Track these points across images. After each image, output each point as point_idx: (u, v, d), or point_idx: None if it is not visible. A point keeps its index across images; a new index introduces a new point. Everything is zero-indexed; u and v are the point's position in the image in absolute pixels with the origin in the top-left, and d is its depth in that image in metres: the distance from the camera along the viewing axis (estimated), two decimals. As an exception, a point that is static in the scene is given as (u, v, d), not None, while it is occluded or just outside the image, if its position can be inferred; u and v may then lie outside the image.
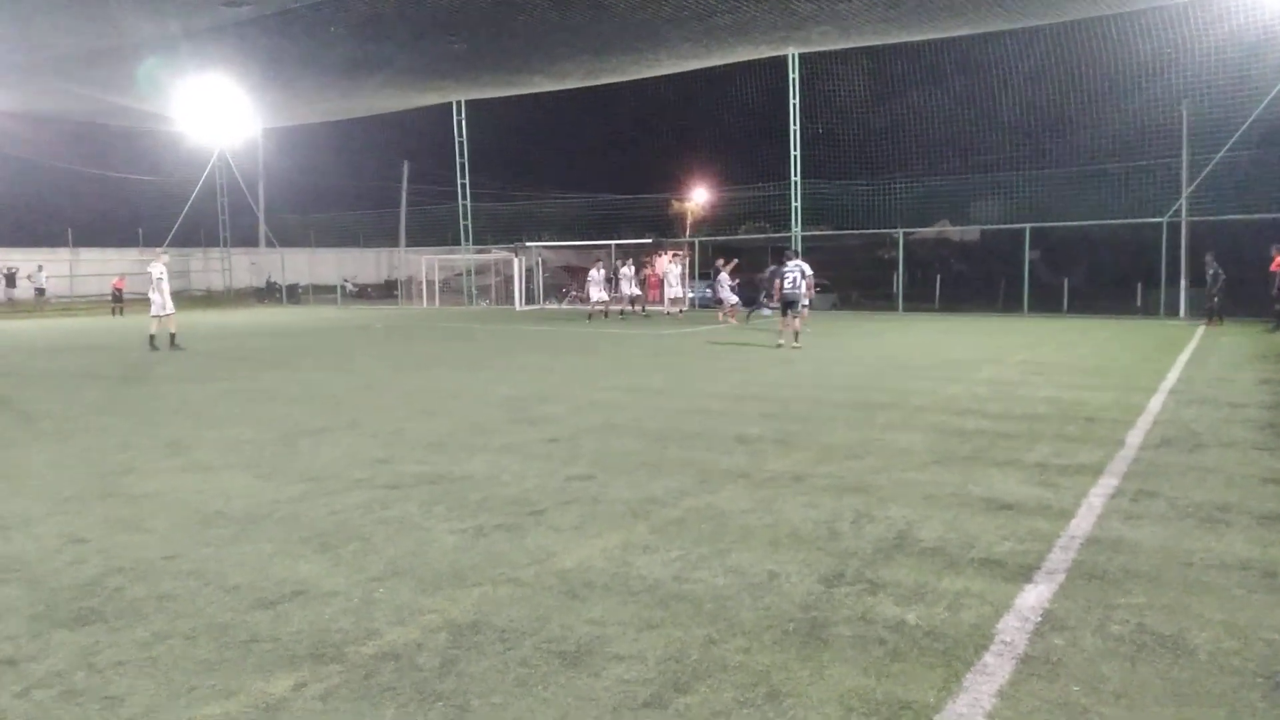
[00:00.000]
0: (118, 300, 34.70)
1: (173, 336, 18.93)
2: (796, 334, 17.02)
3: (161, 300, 18.72)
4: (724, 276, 25.56)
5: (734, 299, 25.84)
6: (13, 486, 6.84)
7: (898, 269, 30.94)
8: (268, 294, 45.95)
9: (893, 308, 30.51)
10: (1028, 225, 27.81)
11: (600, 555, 4.93)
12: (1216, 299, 22.59)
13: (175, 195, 43.68)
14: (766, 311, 26.08)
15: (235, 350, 19.09)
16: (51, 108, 37.47)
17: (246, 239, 49.70)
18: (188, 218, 43.47)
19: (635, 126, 54.57)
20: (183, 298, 43.98)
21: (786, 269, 16.95)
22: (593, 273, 28.02)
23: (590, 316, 26.79)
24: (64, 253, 44.31)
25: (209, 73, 31.85)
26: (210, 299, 44.71)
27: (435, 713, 3.19)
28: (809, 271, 17.46)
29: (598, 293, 27.54)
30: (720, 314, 25.93)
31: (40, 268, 40.89)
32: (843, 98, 33.21)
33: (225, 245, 47.85)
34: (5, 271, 41.47)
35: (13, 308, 38.48)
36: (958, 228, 35.96)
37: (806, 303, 18.63)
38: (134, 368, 15.65)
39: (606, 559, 4.87)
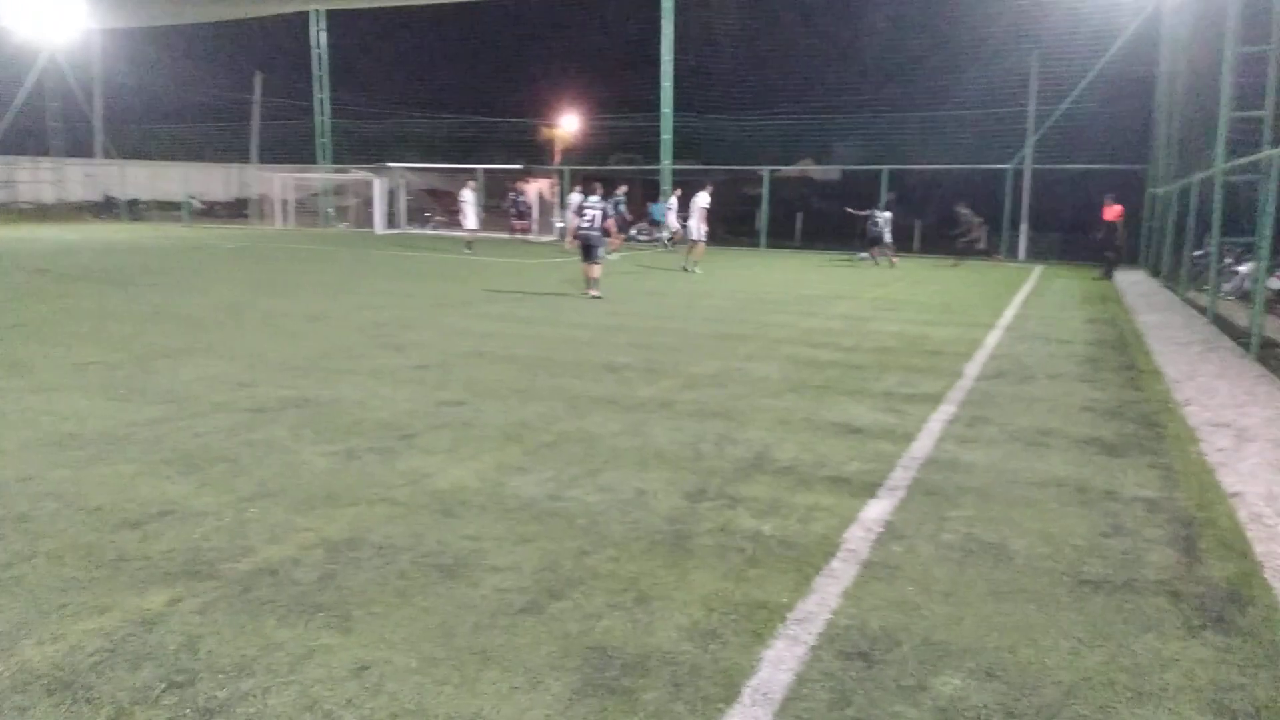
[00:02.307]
0: None
1: None
2: (592, 281, 14.48)
3: None
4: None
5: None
6: None
7: (762, 206, 31.63)
8: (105, 209, 42.90)
9: (756, 244, 31.26)
10: (885, 167, 28.87)
11: (474, 476, 5.06)
12: (967, 245, 24.85)
13: (-2, 98, 39.92)
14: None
15: (75, 268, 17.90)
16: None
17: (82, 150, 45.99)
18: (14, 124, 39.88)
19: (505, 48, 53.10)
20: (10, 210, 40.68)
21: (586, 205, 14.54)
22: (465, 193, 26.73)
23: (469, 245, 25.86)
24: None
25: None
26: (41, 212, 41.39)
27: (317, 622, 3.29)
28: (611, 211, 16.06)
29: (474, 218, 26.43)
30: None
31: None
32: (715, 30, 33.33)
33: (57, 155, 44.17)
34: None
35: None
36: (820, 167, 36.95)
37: (699, 237, 19.36)
38: (-42, 284, 14.50)
39: (480, 480, 5.00)
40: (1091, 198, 23.22)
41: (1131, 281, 19.53)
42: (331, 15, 37.62)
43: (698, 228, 19.99)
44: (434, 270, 19.10)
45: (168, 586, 3.56)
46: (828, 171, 37.78)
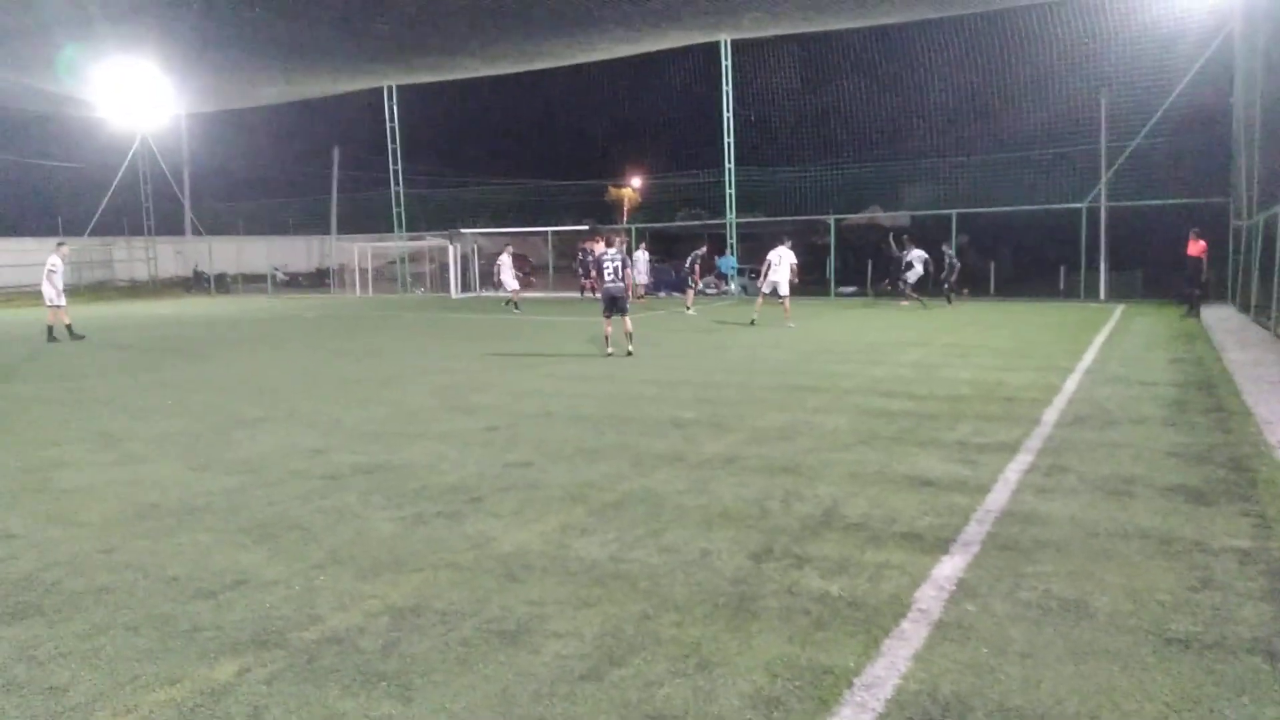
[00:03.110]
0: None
1: (69, 327, 18.75)
2: (627, 335, 14.04)
3: (53, 292, 18.56)
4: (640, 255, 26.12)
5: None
6: (-64, 484, 6.71)
7: (829, 255, 31.48)
8: (195, 284, 44.84)
9: (825, 293, 31.07)
10: (954, 211, 28.53)
11: (538, 539, 5.07)
12: (947, 284, 25.15)
13: (96, 182, 42.27)
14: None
15: (164, 341, 18.69)
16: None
17: (172, 228, 48.35)
18: (110, 205, 42.16)
19: (570, 112, 54.39)
20: (107, 287, 42.80)
21: (605, 258, 13.99)
22: (503, 257, 27.62)
23: (511, 304, 26.37)
24: (-27, 242, 42.56)
25: (128, 55, 30.90)
26: (135, 289, 43.48)
27: (379, 692, 3.30)
28: (630, 262, 15.17)
29: (510, 279, 27.17)
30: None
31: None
32: (775, 84, 33.67)
33: (150, 234, 46.50)
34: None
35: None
36: (888, 213, 36.71)
37: (786, 291, 18.97)
38: (58, 360, 15.25)
39: (545, 542, 5.01)
40: (1173, 234, 22.58)
41: (1219, 318, 18.80)
42: (403, 89, 39.07)
43: (785, 282, 19.27)
44: (504, 332, 19.40)
45: (237, 656, 3.62)
46: (896, 217, 37.49)
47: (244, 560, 4.81)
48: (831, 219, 31.35)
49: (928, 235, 28.93)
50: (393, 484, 6.38)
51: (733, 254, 32.65)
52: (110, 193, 41.82)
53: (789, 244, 19.70)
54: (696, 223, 38.43)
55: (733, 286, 31.89)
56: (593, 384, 11.28)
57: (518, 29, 27.73)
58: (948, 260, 25.17)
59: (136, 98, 36.06)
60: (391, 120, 39.46)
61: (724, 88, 31.73)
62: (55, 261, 18.79)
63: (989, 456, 6.89)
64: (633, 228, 37.94)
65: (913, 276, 24.98)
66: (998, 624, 3.83)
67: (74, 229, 45.16)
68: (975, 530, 5.10)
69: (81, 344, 17.87)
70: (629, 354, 13.80)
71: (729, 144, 32.09)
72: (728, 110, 31.89)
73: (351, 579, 4.49)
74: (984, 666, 3.44)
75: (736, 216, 32.66)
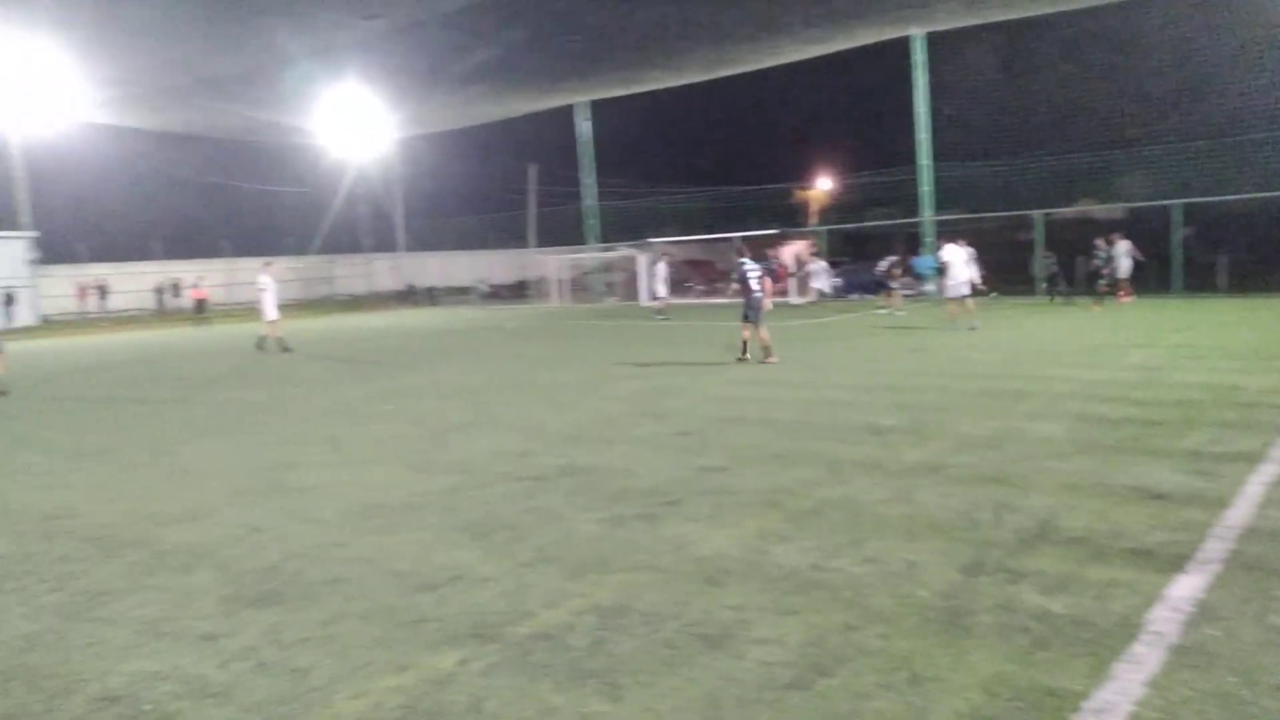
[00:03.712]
0: (199, 311, 34.69)
1: (280, 340, 20.43)
2: (765, 347, 13.78)
3: (264, 307, 20.46)
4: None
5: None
6: (194, 481, 7.50)
7: (1035, 253, 29.71)
8: (407, 297, 47.96)
9: (1032, 292, 29.36)
10: (1178, 201, 26.26)
11: (735, 544, 5.06)
12: (1103, 280, 22.93)
13: (320, 205, 46.12)
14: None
15: (381, 352, 20.10)
16: (206, 127, 40.15)
17: (386, 245, 52.01)
18: (331, 226, 45.82)
19: (756, 116, 54.24)
20: (328, 302, 46.50)
21: (747, 268, 13.93)
22: (659, 267, 28.37)
23: (660, 313, 26.64)
24: (220, 263, 47.33)
25: (348, 87, 33.51)
26: (354, 303, 47.00)
27: (589, 689, 3.40)
28: (761, 269, 14.47)
29: (665, 289, 27.84)
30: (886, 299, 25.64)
31: (201, 278, 43.84)
32: (972, 76, 32.17)
33: (366, 251, 50.20)
34: (169, 283, 44.66)
35: (182, 317, 41.42)
36: (1102, 206, 34.26)
37: (967, 291, 18.11)
38: (285, 371, 16.71)
39: (742, 547, 5.00)
40: None
41: None
42: (594, 104, 40.22)
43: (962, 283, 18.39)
44: (694, 338, 19.56)
45: (457, 648, 3.83)
46: (1111, 210, 34.93)
47: (460, 557, 5.08)
48: (1038, 214, 29.60)
49: (1150, 227, 26.83)
50: (593, 486, 6.56)
51: (930, 253, 31.47)
52: (332, 214, 45.45)
53: (962, 242, 18.78)
54: (889, 222, 37.32)
55: (931, 287, 30.73)
56: (784, 389, 11.17)
57: (705, 38, 27.95)
58: (1101, 258, 23.41)
59: (354, 126, 39.00)
60: (583, 135, 40.71)
61: (918, 83, 30.68)
62: (265, 280, 20.68)
63: (1227, 467, 6.28)
64: (822, 229, 37.35)
65: (1123, 271, 23.33)
66: (1246, 651, 3.48)
67: (301, 249, 49.48)
68: (1215, 548, 4.66)
69: (309, 354, 19.46)
70: (762, 362, 13.65)
71: (924, 140, 30.99)
72: (922, 105, 30.80)
73: (559, 577, 4.65)
74: (1232, 698, 3.13)
75: (934, 215, 31.45)
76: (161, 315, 41.57)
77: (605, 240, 41.84)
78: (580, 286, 42.67)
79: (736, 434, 8.33)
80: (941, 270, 18.72)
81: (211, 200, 48.90)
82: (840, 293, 31.13)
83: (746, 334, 13.93)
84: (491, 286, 49.02)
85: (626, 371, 13.93)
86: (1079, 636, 3.68)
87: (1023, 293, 28.61)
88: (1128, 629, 3.73)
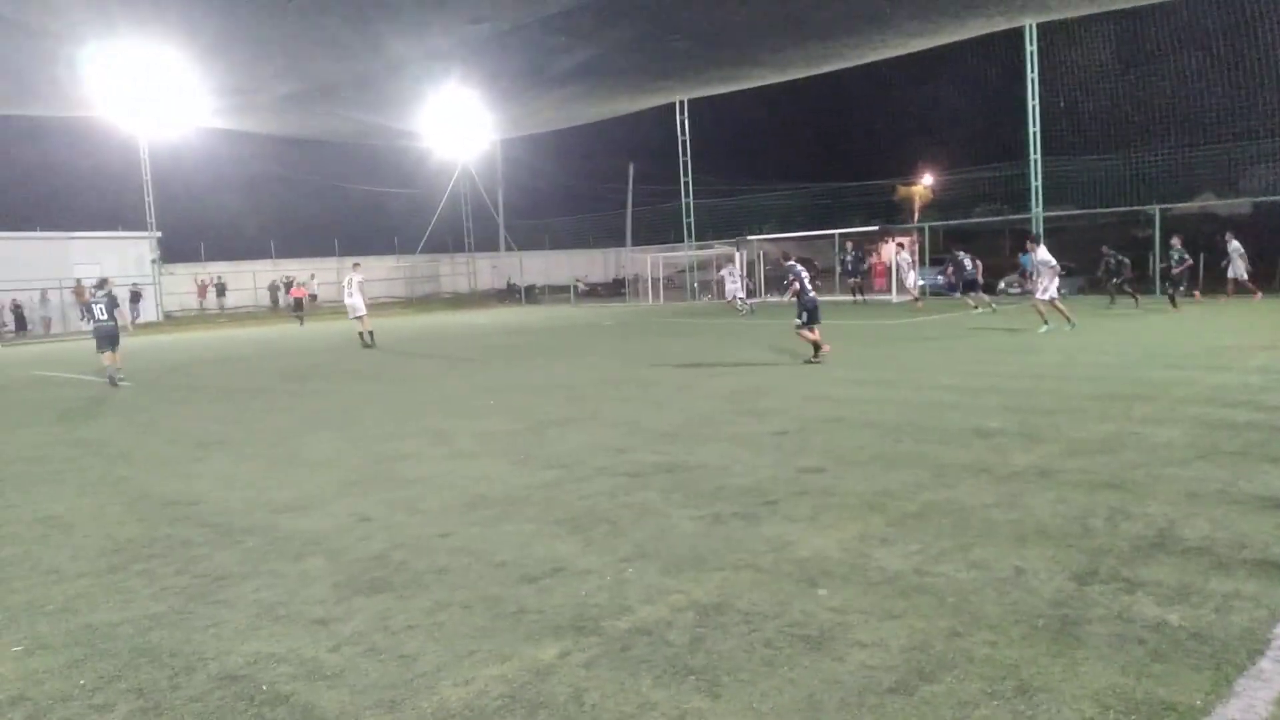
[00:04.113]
0: (298, 309, 36.10)
1: (369, 334, 21.44)
2: (816, 347, 13.86)
3: (354, 304, 21.57)
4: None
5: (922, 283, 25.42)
6: (307, 472, 7.81)
7: (1153, 248, 28.40)
8: (508, 295, 48.87)
9: (1149, 290, 28.10)
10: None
11: (836, 546, 5.00)
12: (1119, 285, 22.46)
13: (425, 206, 47.41)
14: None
15: (482, 348, 20.53)
16: (319, 131, 41.67)
17: (488, 244, 53.11)
18: (435, 226, 47.02)
19: (858, 111, 53.28)
20: (433, 299, 47.73)
21: (802, 272, 14.05)
22: (730, 267, 29.20)
23: (744, 307, 27.52)
24: (331, 262, 49.10)
25: (453, 90, 34.32)
26: (457, 301, 48.13)
27: (688, 685, 3.41)
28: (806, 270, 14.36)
29: (739, 287, 28.50)
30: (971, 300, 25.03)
31: (312, 276, 45.63)
32: (1087, 67, 30.88)
33: (470, 250, 51.33)
34: (283, 280, 46.55)
35: (290, 311, 43.17)
36: (1225, 201, 32.51)
37: (1054, 293, 17.34)
38: (392, 366, 17.22)
39: (843, 549, 4.93)
40: None
41: None
42: (693, 101, 40.18)
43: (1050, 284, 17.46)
44: (789, 337, 19.34)
45: (558, 640, 3.89)
46: (1235, 205, 33.11)
47: (560, 550, 5.15)
48: (1156, 209, 28.28)
49: (1255, 225, 25.33)
50: (690, 483, 6.56)
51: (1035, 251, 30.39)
52: (436, 215, 46.65)
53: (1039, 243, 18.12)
54: (997, 218, 36.24)
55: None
56: (885, 389, 10.96)
57: (809, 33, 27.60)
58: (1111, 261, 23.15)
59: (459, 128, 39.91)
60: (682, 133, 40.72)
61: (1028, 75, 29.65)
62: (355, 279, 21.86)
63: (1368, 478, 5.89)
64: (925, 226, 36.50)
65: (1238, 270, 22.29)
66: (1389, 674, 3.26)
67: (407, 248, 50.91)
68: (1353, 563, 4.39)
69: (415, 350, 20.04)
70: (810, 360, 13.75)
71: (1034, 133, 29.93)
72: (1033, 98, 29.75)
73: (657, 573, 4.68)
74: (1373, 722, 2.94)
75: (1044, 210, 30.36)
76: (275, 312, 43.37)
77: (702, 238, 41.78)
78: (675, 285, 42.73)
79: (836, 434, 8.22)
80: (1035, 272, 17.98)
81: (323, 201, 50.79)
82: (943, 291, 30.35)
83: (813, 335, 13.84)
84: (588, 285, 49.58)
85: (722, 369, 13.89)
86: (1199, 650, 3.51)
87: (1142, 291, 27.40)
88: (1252, 644, 3.54)
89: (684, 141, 40.84)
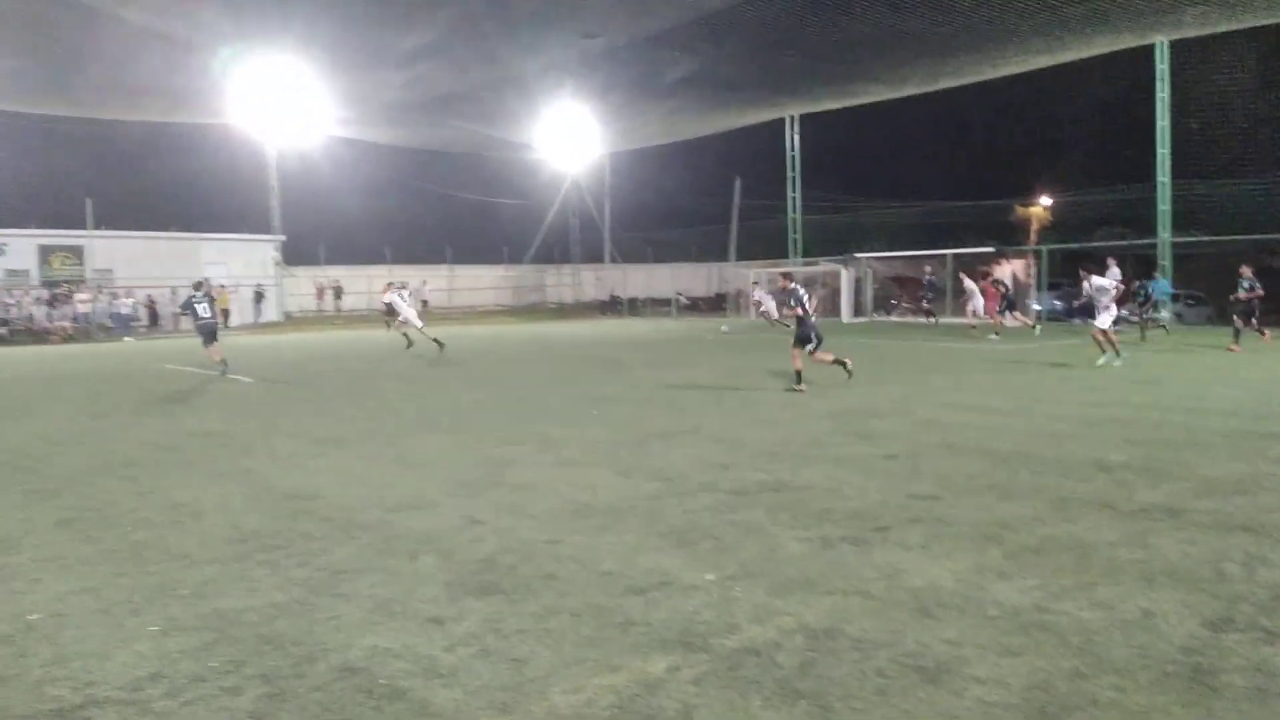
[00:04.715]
0: (391, 313, 36.95)
1: (408, 337, 22.16)
2: (799, 376, 13.25)
3: (405, 315, 22.38)
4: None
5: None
6: (419, 472, 8.02)
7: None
8: (610, 307, 49.33)
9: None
10: None
11: (950, 576, 4.86)
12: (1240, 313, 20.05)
13: (534, 217, 48.32)
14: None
15: (585, 358, 20.77)
16: (436, 142, 42.97)
17: (593, 256, 53.78)
18: (544, 236, 47.87)
19: (974, 129, 51.95)
20: (538, 309, 48.55)
21: (802, 293, 13.64)
22: (760, 292, 29.88)
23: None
24: (443, 269, 50.45)
25: (565, 103, 34.96)
26: (561, 311, 48.83)
27: (799, 710, 3.36)
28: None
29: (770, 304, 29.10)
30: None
31: (424, 282, 46.99)
32: (1223, 86, 29.42)
33: (575, 261, 52.05)
34: (398, 285, 48.07)
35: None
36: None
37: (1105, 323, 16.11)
38: (494, 372, 17.57)
39: (958, 580, 4.79)
40: None
41: None
42: (803, 116, 39.89)
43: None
44: (898, 358, 18.97)
45: (666, 654, 3.89)
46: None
47: (665, 563, 5.16)
48: (1294, 237, 26.72)
49: None
50: (797, 504, 6.49)
51: (1165, 277, 29.08)
52: (545, 226, 47.49)
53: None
54: (1120, 242, 34.80)
55: (1165, 314, 28.38)
56: (1000, 416, 10.62)
57: (928, 50, 27.11)
58: (1247, 284, 20.80)
59: (569, 140, 40.59)
60: (792, 149, 40.46)
61: (1159, 94, 28.44)
62: (396, 297, 23.12)
63: None
64: (1043, 249, 35.31)
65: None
66: None
67: (515, 257, 51.93)
68: None
69: (514, 357, 20.38)
70: (791, 389, 13.09)
71: (1163, 155, 28.68)
72: (1163, 118, 28.53)
73: (764, 593, 4.63)
74: None
75: (1171, 235, 29.02)
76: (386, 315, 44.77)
77: (808, 254, 41.37)
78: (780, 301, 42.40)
79: (948, 461, 8.00)
80: (1094, 301, 16.66)
81: (437, 209, 52.17)
82: (1061, 315, 29.30)
83: (827, 357, 13.50)
84: (690, 299, 49.60)
85: (826, 388, 13.68)
86: (1354, 713, 3.28)
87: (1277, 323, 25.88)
88: None
89: (793, 156, 40.57)
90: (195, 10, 23.36)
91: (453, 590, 4.81)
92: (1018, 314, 26.66)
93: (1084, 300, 24.55)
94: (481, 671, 3.77)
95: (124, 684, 3.73)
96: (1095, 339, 16.43)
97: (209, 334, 17.83)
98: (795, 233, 41.34)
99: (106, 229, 38.66)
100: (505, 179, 51.16)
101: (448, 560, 5.34)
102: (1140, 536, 5.55)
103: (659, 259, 52.89)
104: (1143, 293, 24.89)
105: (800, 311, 13.44)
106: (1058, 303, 29.67)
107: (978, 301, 26.95)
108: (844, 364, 13.56)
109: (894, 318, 36.38)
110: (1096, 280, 16.46)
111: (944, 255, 34.03)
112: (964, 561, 5.12)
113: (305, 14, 24.29)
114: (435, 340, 21.51)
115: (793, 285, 13.94)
